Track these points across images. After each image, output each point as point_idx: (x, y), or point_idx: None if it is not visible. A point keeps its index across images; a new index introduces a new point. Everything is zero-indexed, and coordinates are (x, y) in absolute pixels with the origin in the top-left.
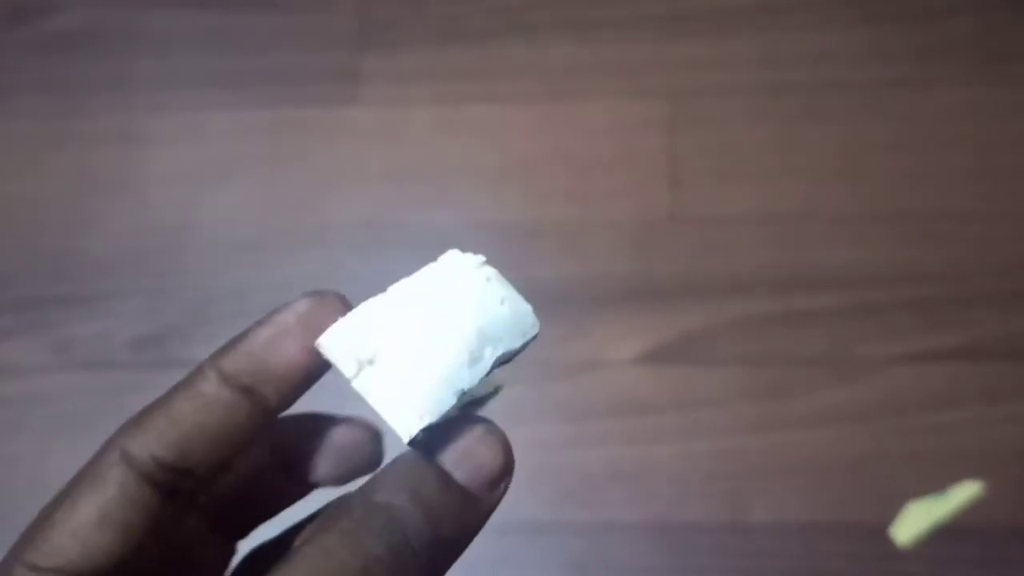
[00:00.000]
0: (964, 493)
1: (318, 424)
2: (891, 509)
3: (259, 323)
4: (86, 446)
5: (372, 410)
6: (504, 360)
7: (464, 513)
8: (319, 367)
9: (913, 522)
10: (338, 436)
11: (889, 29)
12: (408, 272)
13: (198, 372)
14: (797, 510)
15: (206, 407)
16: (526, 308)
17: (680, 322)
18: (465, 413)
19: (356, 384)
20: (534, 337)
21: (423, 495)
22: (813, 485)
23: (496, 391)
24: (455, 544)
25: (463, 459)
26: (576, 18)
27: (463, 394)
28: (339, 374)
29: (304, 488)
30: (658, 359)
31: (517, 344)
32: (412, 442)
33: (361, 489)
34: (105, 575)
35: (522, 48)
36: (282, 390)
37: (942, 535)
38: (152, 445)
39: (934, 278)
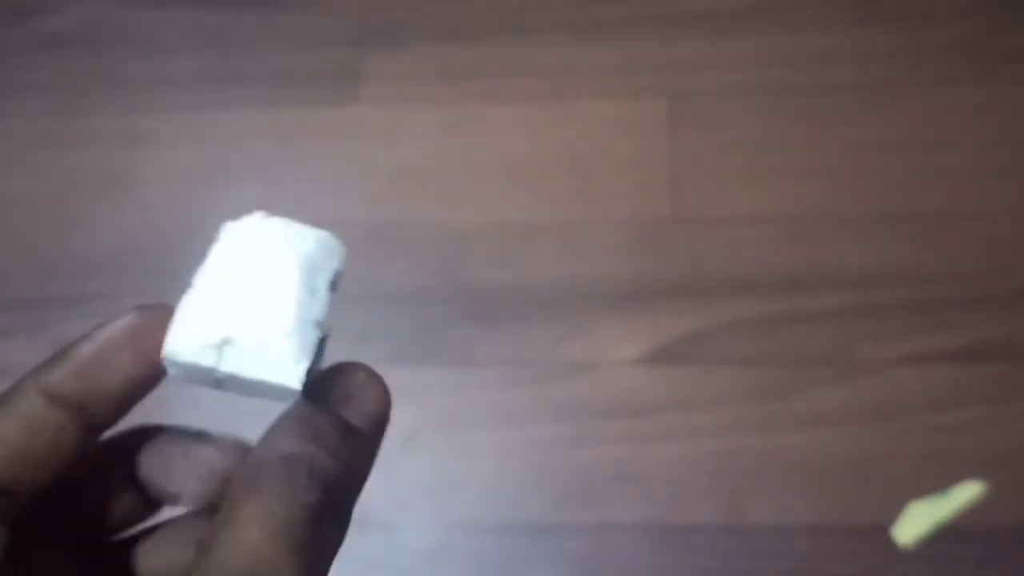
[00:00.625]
0: (966, 493)
1: (176, 441)
2: (893, 509)
3: (84, 338)
4: None
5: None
6: (334, 284)
7: (363, 453)
8: (151, 380)
9: (915, 522)
10: (207, 457)
11: (890, 29)
12: (412, 271)
13: (18, 392)
14: (798, 511)
15: (32, 428)
16: (325, 233)
17: (681, 322)
18: (341, 364)
19: (224, 368)
20: (345, 255)
21: (328, 442)
22: (814, 485)
23: (326, 337)
24: (359, 483)
25: (352, 403)
26: (577, 18)
27: (320, 325)
28: (182, 386)
29: (156, 509)
30: (659, 360)
31: (336, 264)
32: (304, 388)
33: (264, 446)
34: None
35: (523, 48)
36: (114, 405)
37: (944, 535)
38: None
39: (936, 279)
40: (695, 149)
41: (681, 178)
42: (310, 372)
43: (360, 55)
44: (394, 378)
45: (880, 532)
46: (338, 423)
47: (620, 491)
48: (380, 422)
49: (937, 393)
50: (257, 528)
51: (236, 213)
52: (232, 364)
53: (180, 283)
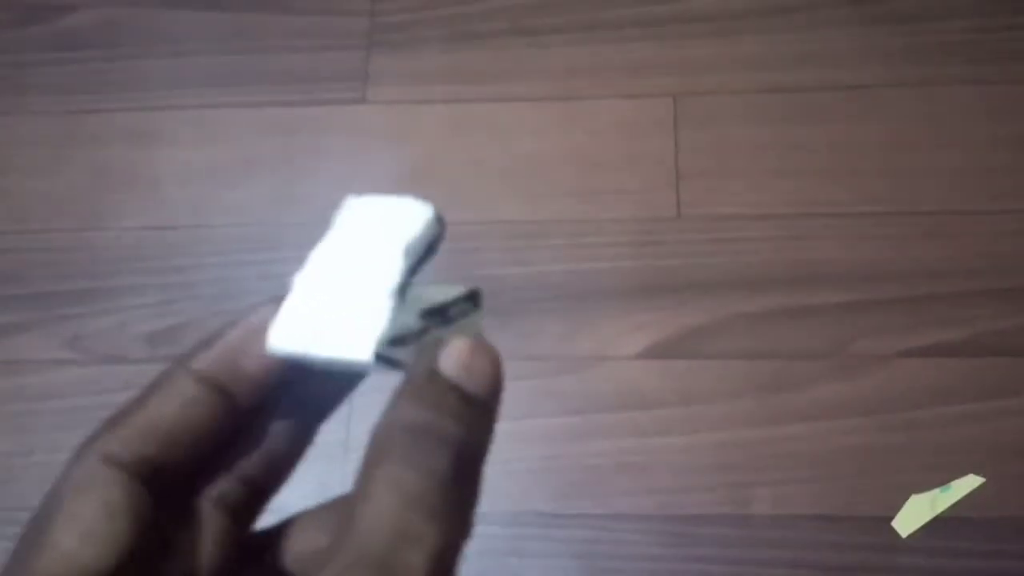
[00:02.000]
0: (966, 486)
1: None
2: (893, 501)
3: (228, 325)
4: None
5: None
6: (424, 251)
7: (483, 419)
8: (290, 368)
9: (916, 514)
10: None
11: (892, 29)
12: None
13: (169, 374)
14: (801, 502)
15: (180, 406)
16: (410, 200)
17: (685, 317)
18: (450, 337)
19: (314, 354)
20: (435, 219)
21: (450, 409)
22: (816, 478)
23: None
24: (484, 449)
25: (465, 372)
26: (582, 20)
27: (399, 291)
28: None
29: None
30: (663, 354)
31: (417, 229)
32: (379, 359)
33: (389, 418)
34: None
35: (529, 49)
36: (253, 389)
37: (944, 527)
38: (134, 444)
39: (936, 275)
40: (699, 148)
41: (685, 176)
42: (402, 341)
43: (369, 56)
44: None
45: (882, 524)
46: (456, 391)
47: (625, 482)
48: (495, 388)
49: (938, 387)
50: (394, 498)
51: (248, 210)
52: (319, 350)
53: (194, 278)
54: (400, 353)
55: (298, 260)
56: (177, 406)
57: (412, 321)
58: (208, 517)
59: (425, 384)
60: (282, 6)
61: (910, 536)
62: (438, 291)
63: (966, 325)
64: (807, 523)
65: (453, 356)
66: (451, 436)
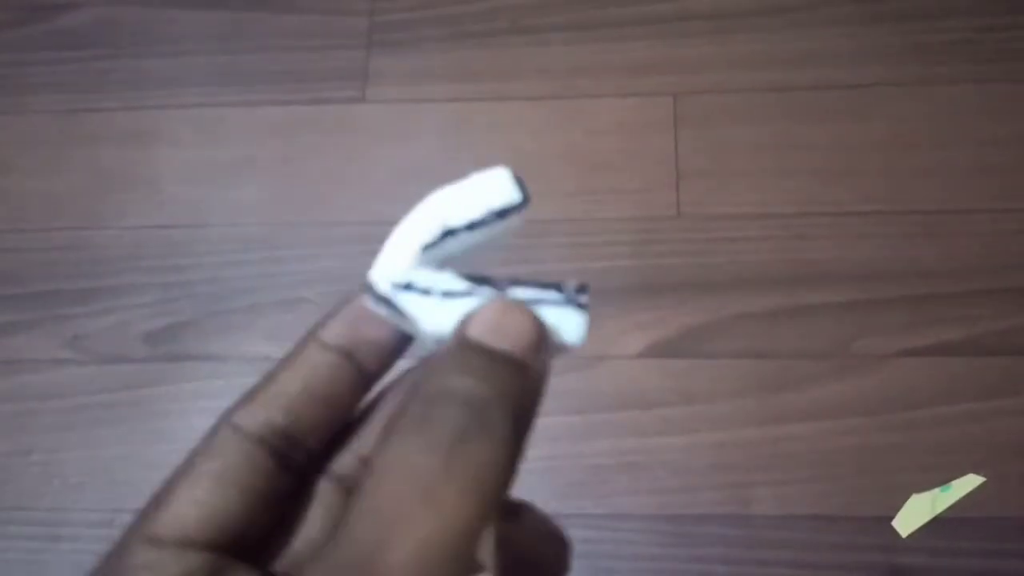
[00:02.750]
0: (966, 486)
1: None
2: (894, 501)
3: (351, 294)
4: (99, 439)
5: None
6: (488, 215)
7: (517, 377)
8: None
9: (915, 514)
10: None
11: (892, 28)
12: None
13: (299, 345)
14: (801, 502)
15: (311, 371)
16: (501, 171)
17: (685, 317)
18: (485, 303)
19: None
20: (520, 201)
21: (475, 369)
22: (817, 477)
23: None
24: (526, 410)
25: (493, 332)
26: (582, 19)
27: (426, 249)
28: None
29: None
30: (664, 353)
31: (494, 203)
32: (378, 299)
33: (414, 382)
34: (225, 542)
35: (529, 48)
36: (379, 355)
37: (944, 527)
38: (261, 413)
39: (936, 274)
40: (699, 147)
41: (685, 175)
42: (425, 292)
43: (369, 54)
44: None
45: (882, 523)
46: (483, 352)
47: (626, 482)
48: (532, 344)
49: (938, 387)
50: (389, 481)
51: (248, 209)
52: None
53: (193, 277)
54: (410, 301)
55: (300, 259)
56: (305, 373)
57: (453, 283)
58: (324, 494)
59: (450, 350)
60: (282, 5)
61: (910, 536)
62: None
63: (967, 325)
64: (807, 523)
65: (481, 318)
66: (474, 397)
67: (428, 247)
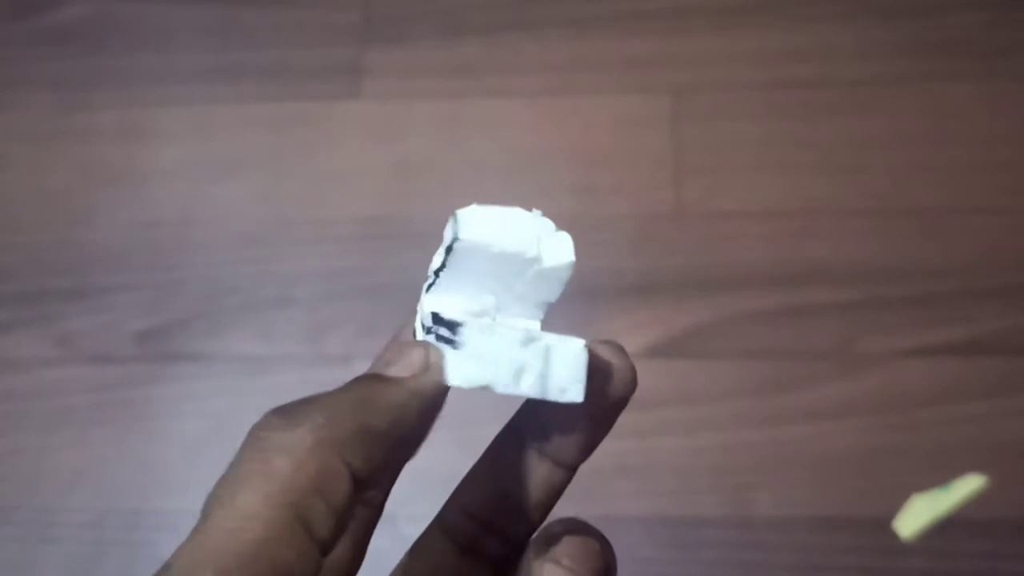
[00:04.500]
0: (968, 486)
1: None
2: (896, 502)
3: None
4: (89, 438)
5: None
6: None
7: (379, 390)
8: None
9: (917, 515)
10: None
11: (894, 24)
12: (414, 266)
13: (356, 378)
14: (802, 504)
15: (365, 402)
16: (560, 237)
17: (684, 316)
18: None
19: None
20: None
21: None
22: (818, 479)
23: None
24: (387, 420)
25: (374, 362)
26: (579, 13)
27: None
28: None
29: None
30: (663, 353)
31: (550, 295)
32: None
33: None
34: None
35: (525, 43)
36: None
37: (946, 528)
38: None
39: (939, 272)
40: (698, 144)
41: (685, 173)
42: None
43: (363, 49)
44: None
45: (883, 525)
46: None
47: (624, 484)
48: (412, 366)
49: (940, 386)
50: None
51: (239, 207)
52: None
53: (183, 276)
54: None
55: (292, 257)
56: (357, 402)
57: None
58: (361, 516)
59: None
60: None
61: (910, 537)
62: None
63: (968, 324)
64: (808, 525)
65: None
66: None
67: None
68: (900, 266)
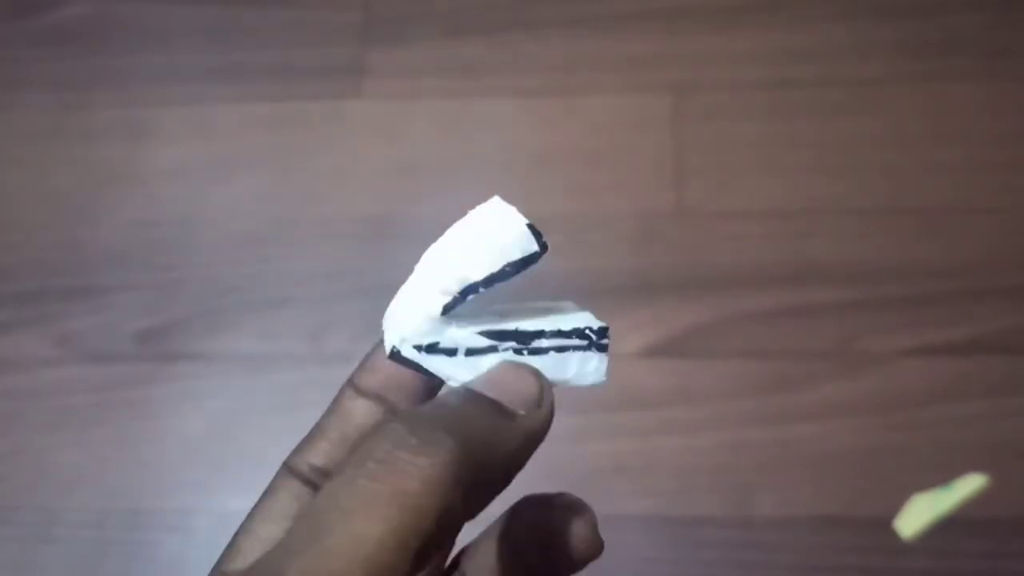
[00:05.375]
0: (969, 486)
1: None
2: (896, 502)
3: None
4: (89, 438)
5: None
6: (508, 268)
7: (486, 414)
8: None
9: (917, 515)
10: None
11: (895, 24)
12: (411, 264)
13: (339, 393)
14: (802, 503)
15: (344, 416)
16: (511, 214)
17: (685, 316)
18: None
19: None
20: (539, 252)
21: (449, 406)
22: (819, 478)
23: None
24: (502, 451)
25: (491, 384)
26: (580, 13)
27: (447, 310)
28: None
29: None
30: (663, 353)
31: (512, 255)
32: (398, 358)
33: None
34: None
35: (526, 43)
36: (410, 397)
37: (946, 528)
38: (307, 456)
39: (940, 272)
40: (700, 143)
41: (686, 172)
42: (450, 352)
43: (364, 49)
44: None
45: (884, 524)
46: (466, 394)
47: (625, 483)
48: (527, 401)
49: (941, 386)
50: (353, 457)
51: (240, 206)
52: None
53: (184, 276)
54: (435, 362)
55: (293, 257)
56: (340, 419)
57: (476, 339)
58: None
59: (440, 397)
60: None
61: (911, 537)
62: (549, 315)
63: (969, 324)
64: (808, 524)
65: (487, 377)
66: (422, 415)
67: (448, 307)
68: (900, 266)
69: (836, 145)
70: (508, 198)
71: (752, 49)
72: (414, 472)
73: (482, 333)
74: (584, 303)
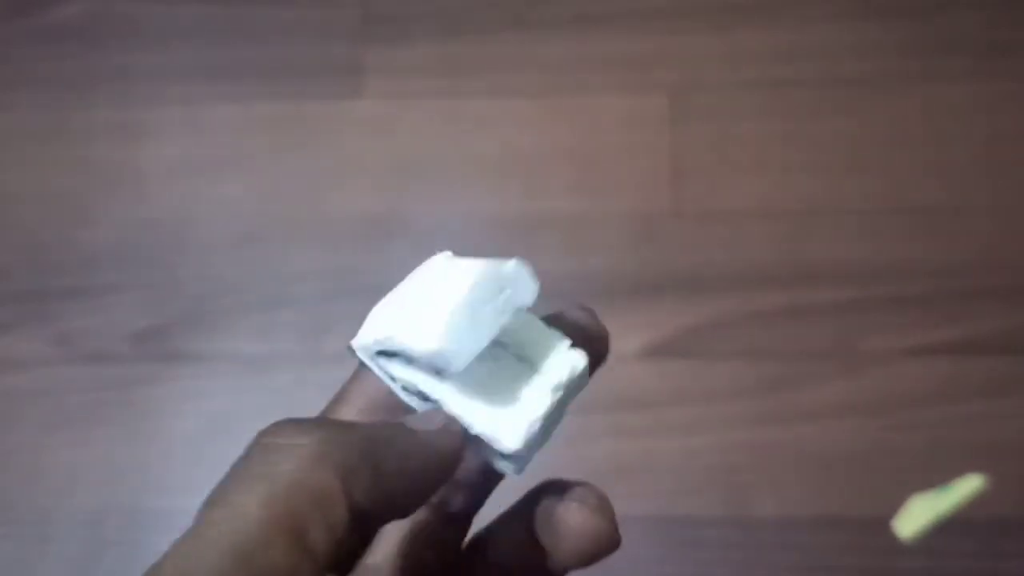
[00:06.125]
0: (967, 486)
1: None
2: (895, 502)
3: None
4: (86, 438)
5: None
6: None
7: (396, 434)
8: None
9: (916, 515)
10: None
11: (892, 23)
12: (413, 265)
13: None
14: (800, 504)
15: (369, 381)
16: (521, 268)
17: (683, 316)
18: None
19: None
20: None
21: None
22: (817, 479)
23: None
24: (394, 467)
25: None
26: (578, 12)
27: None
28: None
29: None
30: (661, 353)
31: (522, 300)
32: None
33: None
34: None
35: (524, 42)
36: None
37: (944, 528)
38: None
39: (939, 272)
40: (697, 143)
41: (683, 172)
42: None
43: (363, 49)
44: None
45: (882, 525)
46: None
47: (623, 484)
48: (432, 422)
49: (938, 386)
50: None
51: (237, 206)
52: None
53: (181, 276)
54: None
55: (290, 257)
56: (361, 383)
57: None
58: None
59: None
60: None
61: (909, 537)
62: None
63: (968, 323)
64: (806, 525)
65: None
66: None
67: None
68: (900, 266)
69: (835, 145)
70: (507, 198)
71: (751, 49)
72: (282, 452)
73: (411, 391)
74: (582, 304)
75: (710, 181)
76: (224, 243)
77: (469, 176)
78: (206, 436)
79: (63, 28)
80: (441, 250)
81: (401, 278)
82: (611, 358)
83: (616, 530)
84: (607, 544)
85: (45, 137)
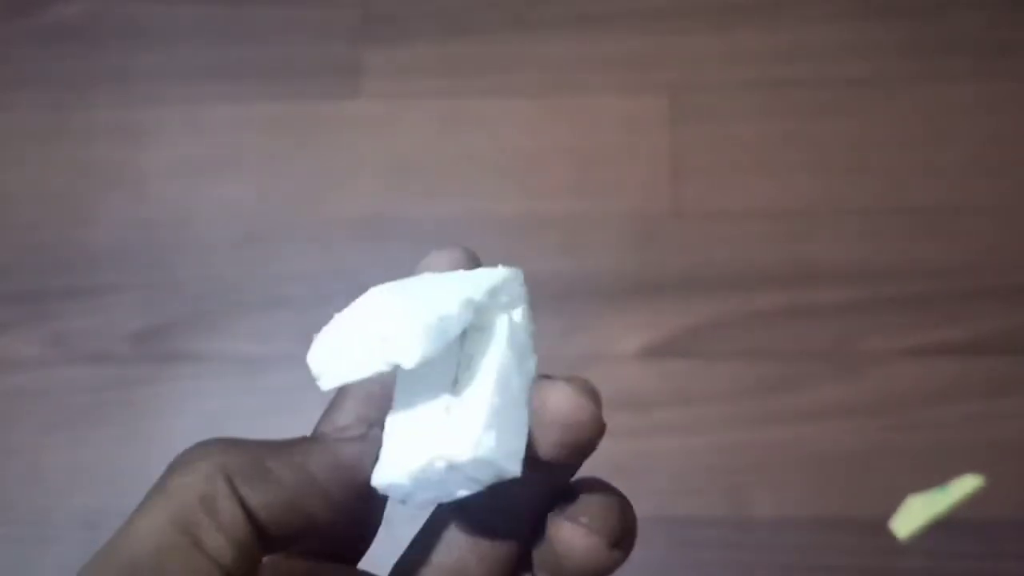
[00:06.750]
0: (965, 487)
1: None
2: (893, 503)
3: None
4: (84, 439)
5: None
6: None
7: (300, 446)
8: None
9: (913, 515)
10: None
11: (892, 24)
12: (412, 265)
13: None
14: (799, 504)
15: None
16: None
17: (682, 316)
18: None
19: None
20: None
21: None
22: (815, 479)
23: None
24: (294, 470)
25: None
26: (578, 12)
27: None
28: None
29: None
30: (660, 353)
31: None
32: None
33: None
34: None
35: (524, 42)
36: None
37: (942, 529)
38: (334, 418)
39: (938, 273)
40: (696, 144)
41: (682, 172)
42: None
43: (362, 49)
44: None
45: (881, 525)
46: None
47: (621, 484)
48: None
49: (938, 387)
50: None
51: (236, 206)
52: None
53: (180, 276)
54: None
55: (289, 257)
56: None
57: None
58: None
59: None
60: None
61: (907, 538)
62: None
63: (968, 324)
64: (805, 525)
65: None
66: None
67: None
68: (900, 266)
69: (835, 145)
70: (507, 198)
71: (750, 49)
72: (177, 468)
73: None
74: (582, 304)
75: (710, 181)
76: (224, 243)
77: (469, 176)
78: (205, 436)
79: (63, 28)
80: (441, 250)
81: (402, 277)
82: (611, 358)
83: (600, 414)
84: (590, 425)
85: (45, 137)
